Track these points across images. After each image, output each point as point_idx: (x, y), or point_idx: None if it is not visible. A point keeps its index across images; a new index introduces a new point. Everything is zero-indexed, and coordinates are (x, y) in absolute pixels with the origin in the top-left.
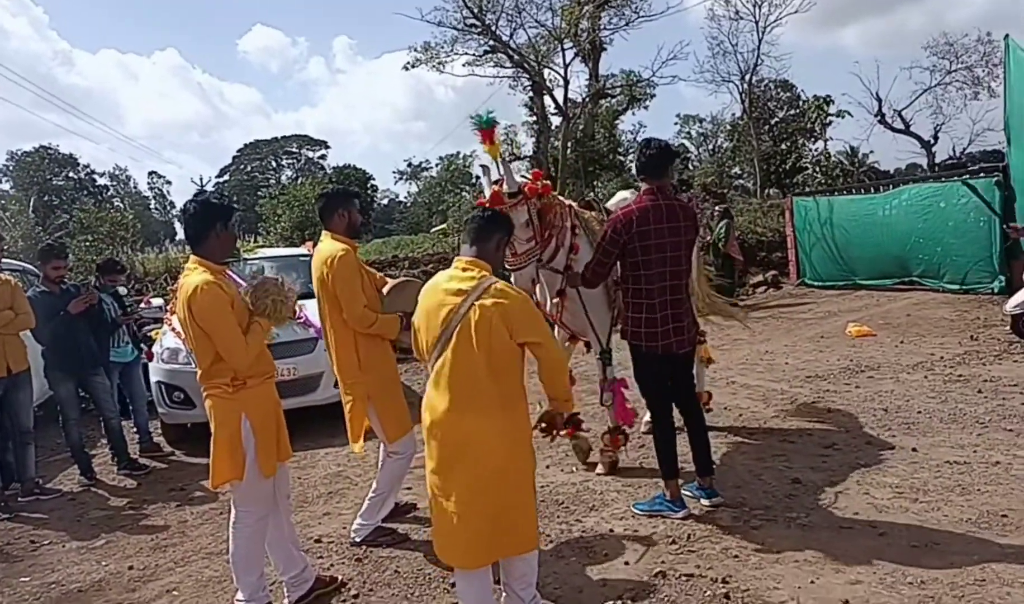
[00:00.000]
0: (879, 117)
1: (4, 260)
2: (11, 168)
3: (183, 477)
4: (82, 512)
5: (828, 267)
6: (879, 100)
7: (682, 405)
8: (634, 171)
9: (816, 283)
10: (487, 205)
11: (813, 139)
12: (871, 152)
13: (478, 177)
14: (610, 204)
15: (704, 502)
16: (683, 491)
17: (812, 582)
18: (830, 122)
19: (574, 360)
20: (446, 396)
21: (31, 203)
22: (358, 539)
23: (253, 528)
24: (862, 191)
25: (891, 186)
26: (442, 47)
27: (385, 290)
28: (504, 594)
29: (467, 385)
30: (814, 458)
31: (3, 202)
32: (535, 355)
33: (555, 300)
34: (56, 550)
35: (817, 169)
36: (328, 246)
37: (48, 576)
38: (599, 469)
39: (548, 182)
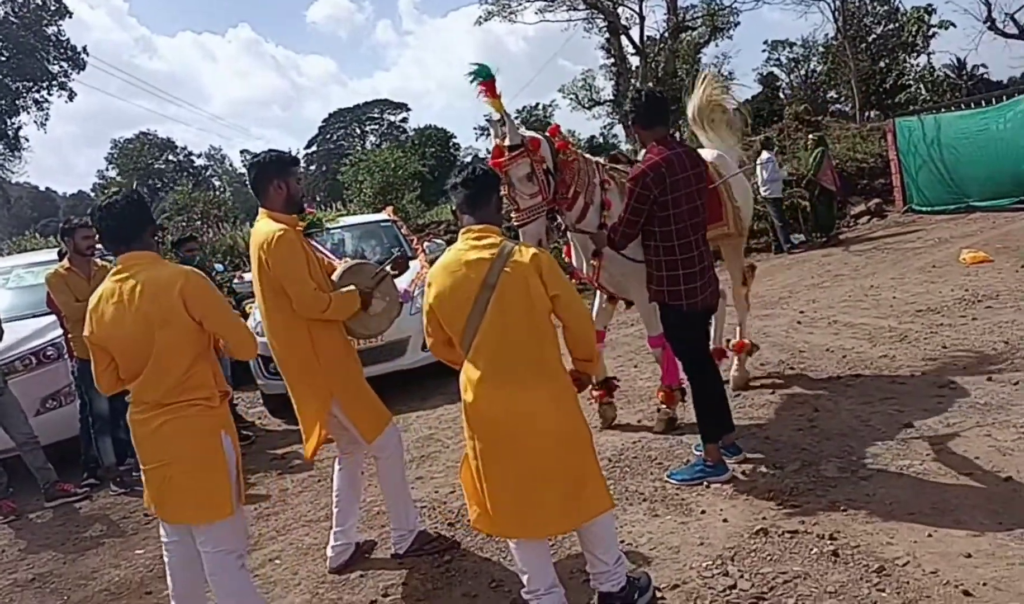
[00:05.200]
0: (988, 23)
1: None
2: (115, 155)
3: (282, 445)
4: None
5: (937, 191)
6: (988, 4)
7: None
8: (631, 124)
9: (924, 209)
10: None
11: (915, 54)
12: (981, 64)
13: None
14: None
15: (729, 461)
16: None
17: (929, 536)
18: (933, 34)
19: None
20: (490, 371)
21: (135, 188)
22: (401, 551)
23: (242, 571)
24: (972, 105)
25: (1005, 97)
26: None
27: (335, 276)
28: (588, 562)
29: (511, 355)
30: (928, 399)
31: (112, 189)
32: (561, 314)
33: (592, 262)
34: None
35: (921, 86)
36: (264, 226)
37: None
38: (656, 428)
39: (565, 138)
